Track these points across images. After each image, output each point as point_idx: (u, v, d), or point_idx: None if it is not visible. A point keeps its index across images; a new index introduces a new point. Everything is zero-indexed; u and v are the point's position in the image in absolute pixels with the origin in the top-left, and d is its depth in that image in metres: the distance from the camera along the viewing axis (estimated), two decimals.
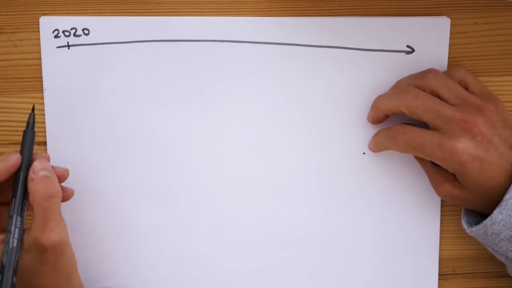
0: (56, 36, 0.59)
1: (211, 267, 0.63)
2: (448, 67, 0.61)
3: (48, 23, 0.59)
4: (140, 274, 0.62)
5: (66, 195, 0.57)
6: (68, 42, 0.59)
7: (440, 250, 0.64)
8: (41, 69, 0.60)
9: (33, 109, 0.56)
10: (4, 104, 0.61)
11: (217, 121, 0.61)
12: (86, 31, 0.59)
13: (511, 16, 0.61)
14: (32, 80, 0.60)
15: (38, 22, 0.59)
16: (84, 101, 0.60)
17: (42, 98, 0.60)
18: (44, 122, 0.60)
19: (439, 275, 0.64)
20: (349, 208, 0.63)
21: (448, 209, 0.63)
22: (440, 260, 0.64)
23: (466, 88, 0.58)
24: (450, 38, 0.61)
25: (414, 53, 0.60)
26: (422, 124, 0.57)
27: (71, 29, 0.59)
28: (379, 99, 0.59)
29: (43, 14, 0.59)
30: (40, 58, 0.60)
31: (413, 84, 0.58)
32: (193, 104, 0.61)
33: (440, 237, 0.63)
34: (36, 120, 0.60)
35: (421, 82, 0.57)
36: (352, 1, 0.60)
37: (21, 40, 0.60)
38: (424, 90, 0.57)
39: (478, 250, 0.64)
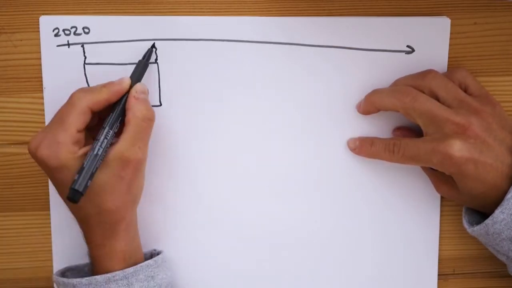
0: (56, 35, 0.59)
1: (210, 266, 0.63)
2: (448, 67, 0.61)
3: (48, 22, 0.59)
4: None
5: None
6: (68, 41, 0.59)
7: (440, 250, 0.64)
8: (41, 69, 0.60)
9: (153, 46, 0.59)
10: (4, 104, 0.61)
11: (217, 120, 0.61)
12: (86, 30, 0.59)
13: (511, 16, 0.61)
14: (32, 80, 0.60)
15: (38, 22, 0.59)
16: None
17: (42, 98, 0.60)
18: (44, 122, 0.60)
19: (439, 275, 0.64)
20: (349, 208, 0.63)
21: (448, 209, 0.63)
22: (440, 260, 0.64)
23: (466, 89, 0.58)
24: (450, 38, 0.61)
25: (414, 53, 0.60)
26: (417, 125, 0.58)
27: (72, 27, 0.59)
28: (375, 95, 0.59)
29: (43, 14, 0.59)
30: (40, 58, 0.60)
31: (412, 84, 0.58)
32: (193, 103, 0.61)
33: (440, 237, 0.63)
34: (36, 120, 0.61)
35: (420, 83, 0.57)
36: (352, 1, 0.60)
37: (21, 40, 0.60)
38: (422, 91, 0.57)
39: (478, 250, 0.64)
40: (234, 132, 0.61)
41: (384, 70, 0.61)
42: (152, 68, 0.60)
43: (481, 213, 0.59)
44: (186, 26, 0.60)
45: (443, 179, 0.59)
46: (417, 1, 0.61)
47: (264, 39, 0.60)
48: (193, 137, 0.61)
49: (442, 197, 0.63)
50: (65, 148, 0.53)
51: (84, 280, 0.55)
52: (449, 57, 0.61)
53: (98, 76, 0.59)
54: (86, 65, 0.60)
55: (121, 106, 0.56)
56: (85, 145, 0.55)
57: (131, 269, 0.56)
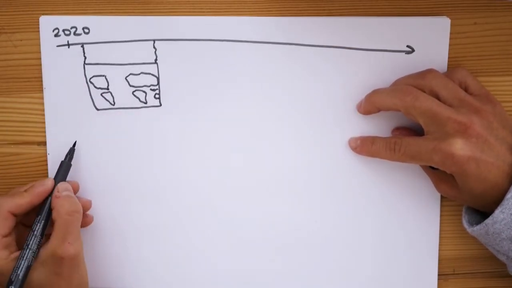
0: (56, 35, 0.59)
1: (210, 267, 0.63)
2: (448, 67, 0.61)
3: (48, 22, 0.59)
4: (138, 276, 0.62)
5: (87, 221, 0.61)
6: (68, 41, 0.59)
7: (440, 250, 0.64)
8: (41, 69, 0.60)
9: (74, 144, 0.60)
10: (4, 104, 0.61)
11: (216, 120, 0.61)
12: (86, 30, 0.59)
13: (511, 16, 0.61)
14: (32, 80, 0.60)
15: (38, 22, 0.59)
16: (83, 100, 0.60)
17: (42, 98, 0.60)
18: (44, 122, 0.60)
19: (439, 275, 0.64)
20: (349, 208, 0.63)
21: (448, 209, 0.63)
22: (440, 260, 0.64)
23: (466, 89, 0.58)
24: (450, 38, 0.61)
25: (414, 53, 0.60)
26: (418, 124, 0.58)
27: (71, 28, 0.59)
28: (376, 95, 0.59)
29: (43, 14, 0.59)
30: (40, 58, 0.60)
31: (413, 83, 0.58)
32: (192, 103, 0.61)
33: (440, 237, 0.63)
34: (36, 120, 0.60)
35: (420, 82, 0.57)
36: (352, 1, 0.60)
37: (21, 40, 0.60)
38: (423, 90, 0.57)
39: (478, 250, 0.64)
40: (234, 132, 0.61)
41: (384, 70, 0.61)
42: (152, 68, 0.60)
43: (481, 213, 0.59)
44: (186, 26, 0.60)
45: (444, 178, 0.59)
46: (417, 1, 0.61)
47: (264, 39, 0.60)
48: (192, 137, 0.61)
49: (442, 197, 0.63)
50: None
51: None
52: (449, 57, 0.61)
53: (98, 76, 0.59)
54: (86, 65, 0.60)
55: (46, 207, 0.57)
56: (19, 243, 0.57)
57: None
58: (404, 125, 0.61)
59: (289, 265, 0.63)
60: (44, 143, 0.61)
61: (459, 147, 0.54)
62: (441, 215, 0.63)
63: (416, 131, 0.60)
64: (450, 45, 0.61)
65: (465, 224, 0.59)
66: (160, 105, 0.61)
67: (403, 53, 0.61)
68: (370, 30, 0.60)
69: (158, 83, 0.60)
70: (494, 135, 0.55)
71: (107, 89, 0.60)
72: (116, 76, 0.60)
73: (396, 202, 0.63)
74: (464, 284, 0.65)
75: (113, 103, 0.60)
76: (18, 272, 0.54)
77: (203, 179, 0.62)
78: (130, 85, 0.60)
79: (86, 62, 0.60)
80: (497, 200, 0.55)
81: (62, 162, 0.59)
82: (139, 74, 0.60)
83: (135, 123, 0.61)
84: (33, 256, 0.55)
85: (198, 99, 0.61)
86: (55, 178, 0.59)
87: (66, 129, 0.60)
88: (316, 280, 0.63)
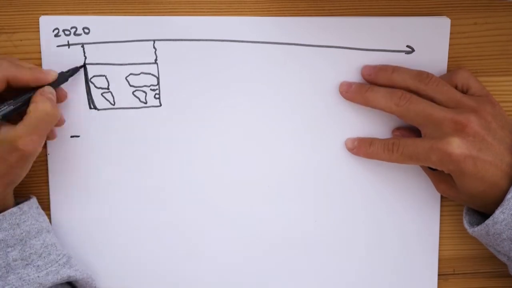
0: (56, 35, 0.59)
1: (209, 266, 0.63)
2: (448, 67, 0.61)
3: (48, 22, 0.59)
4: (137, 275, 0.62)
5: (51, 135, 0.59)
6: (68, 41, 0.59)
7: (440, 250, 0.64)
8: None
9: (81, 66, 0.59)
10: None
11: (216, 120, 0.61)
12: (86, 30, 0.59)
13: (511, 16, 0.61)
14: None
15: (38, 22, 0.59)
16: (84, 100, 0.60)
17: None
18: None
19: (439, 275, 0.64)
20: (348, 208, 0.63)
21: (448, 209, 0.63)
22: (440, 260, 0.64)
23: (467, 90, 0.58)
24: (450, 38, 0.61)
25: (414, 53, 0.60)
26: (415, 127, 0.58)
27: (72, 28, 0.59)
28: (371, 94, 0.59)
29: (43, 14, 0.59)
30: (40, 58, 0.60)
31: (410, 84, 0.57)
32: (192, 103, 0.61)
33: (440, 237, 0.63)
34: None
35: (418, 84, 0.57)
36: (352, 1, 0.60)
37: (21, 40, 0.60)
38: (418, 93, 0.57)
39: (478, 250, 0.64)
40: (233, 132, 0.61)
41: None
42: (152, 68, 0.60)
43: (482, 214, 0.59)
44: (186, 27, 0.60)
45: (443, 178, 0.59)
46: (417, 1, 0.61)
47: (264, 39, 0.60)
48: (192, 137, 0.61)
49: (442, 197, 0.63)
50: None
51: None
52: (449, 57, 0.61)
53: (98, 76, 0.59)
54: (86, 65, 0.60)
55: (27, 95, 0.56)
56: None
57: None
58: (404, 126, 0.61)
59: (289, 265, 0.63)
60: (44, 143, 0.61)
61: (456, 145, 0.54)
62: (441, 215, 0.63)
63: (416, 131, 0.60)
64: (450, 45, 0.61)
65: (466, 225, 0.59)
66: (160, 105, 0.61)
67: (403, 53, 0.61)
68: (370, 30, 0.60)
69: (158, 83, 0.60)
70: (492, 134, 0.55)
71: (107, 89, 0.60)
72: (116, 76, 0.60)
73: (396, 202, 0.63)
74: (464, 284, 0.65)
75: (113, 103, 0.60)
76: None
77: (202, 178, 0.62)
78: (130, 85, 0.60)
79: (86, 62, 0.60)
80: (497, 201, 0.55)
81: (61, 72, 0.58)
82: (139, 74, 0.60)
83: (135, 123, 0.61)
84: None
85: (198, 99, 0.61)
86: (51, 84, 0.57)
87: (66, 128, 0.60)
88: (315, 280, 0.63)
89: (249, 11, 0.60)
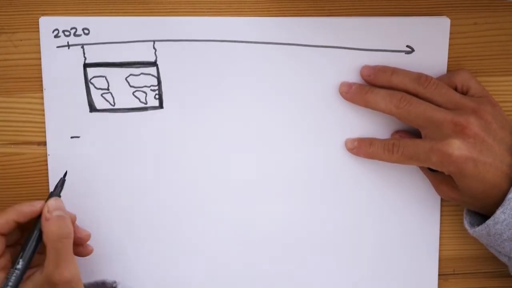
0: (56, 36, 0.59)
1: (210, 267, 0.63)
2: (448, 67, 0.61)
3: (48, 23, 0.59)
4: (138, 276, 0.62)
5: (86, 252, 0.59)
6: (68, 42, 0.59)
7: (440, 250, 0.64)
8: (41, 69, 0.60)
9: (65, 175, 0.58)
10: (4, 104, 0.61)
11: (217, 121, 0.61)
12: (86, 31, 0.59)
13: (511, 16, 0.61)
14: (32, 80, 0.60)
15: (38, 22, 0.59)
16: (84, 100, 0.60)
17: (42, 98, 0.60)
18: (44, 122, 0.60)
19: (439, 275, 0.64)
20: (349, 208, 0.63)
21: (448, 209, 0.63)
22: (440, 260, 0.64)
23: (467, 91, 0.58)
24: (450, 38, 0.61)
25: (414, 53, 0.60)
26: (415, 129, 0.58)
27: (71, 28, 0.59)
28: (371, 95, 0.58)
29: (43, 14, 0.59)
30: (40, 58, 0.60)
31: (409, 87, 0.57)
32: (193, 103, 0.61)
33: (440, 237, 0.63)
34: (35, 120, 0.60)
35: (417, 87, 0.57)
36: (352, 1, 0.60)
37: (21, 40, 0.60)
38: (417, 95, 0.57)
39: (478, 250, 0.64)
40: (234, 132, 0.61)
41: None
42: (152, 69, 0.60)
43: (482, 215, 0.59)
44: (186, 27, 0.59)
45: (443, 180, 0.59)
46: (417, 1, 0.60)
47: (264, 39, 0.60)
48: (192, 137, 0.61)
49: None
50: None
51: None
52: (449, 57, 0.61)
53: (98, 77, 0.59)
54: (86, 66, 0.60)
55: (34, 234, 0.55)
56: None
57: None
58: (404, 128, 0.61)
59: (289, 265, 0.63)
60: (44, 143, 0.61)
61: (456, 147, 0.54)
62: (441, 216, 0.63)
63: (415, 134, 0.60)
64: (450, 45, 0.61)
65: (467, 225, 0.59)
66: (160, 105, 0.61)
67: (403, 53, 0.61)
68: (370, 30, 0.60)
69: (158, 84, 0.60)
70: (492, 135, 0.55)
71: (107, 89, 0.60)
72: (116, 77, 0.60)
73: (396, 202, 0.63)
74: (464, 284, 0.65)
75: (113, 103, 0.60)
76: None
77: (202, 178, 0.62)
78: (130, 86, 0.60)
79: (86, 62, 0.60)
80: (497, 202, 0.55)
81: (51, 192, 0.57)
82: (139, 74, 0.60)
83: (136, 123, 0.61)
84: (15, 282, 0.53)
85: (198, 99, 0.61)
86: (45, 201, 0.56)
87: (66, 129, 0.60)
88: (316, 280, 0.63)
89: (249, 11, 0.60)
